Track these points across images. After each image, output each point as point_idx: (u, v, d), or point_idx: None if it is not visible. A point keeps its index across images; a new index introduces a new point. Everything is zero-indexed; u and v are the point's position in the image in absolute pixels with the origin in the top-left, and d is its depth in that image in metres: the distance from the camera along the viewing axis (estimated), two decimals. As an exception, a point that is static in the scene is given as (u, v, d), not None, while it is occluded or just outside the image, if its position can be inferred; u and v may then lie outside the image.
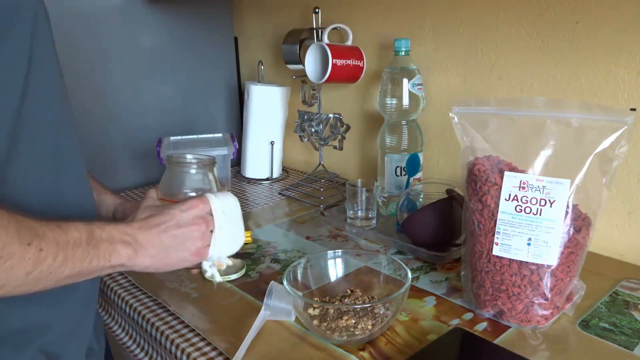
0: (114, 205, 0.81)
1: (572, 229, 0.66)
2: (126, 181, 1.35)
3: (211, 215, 0.66)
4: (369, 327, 0.67)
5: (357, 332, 0.66)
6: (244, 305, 0.78)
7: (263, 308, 0.72)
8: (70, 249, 0.52)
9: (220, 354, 0.67)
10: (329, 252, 0.80)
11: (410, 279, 0.69)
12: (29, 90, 0.54)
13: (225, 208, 0.67)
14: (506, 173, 0.67)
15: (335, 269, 0.80)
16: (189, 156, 0.81)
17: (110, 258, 0.56)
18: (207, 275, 0.71)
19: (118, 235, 0.58)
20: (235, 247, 0.69)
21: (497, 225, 0.68)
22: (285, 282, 0.69)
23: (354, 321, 0.67)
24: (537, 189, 0.66)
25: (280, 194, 1.27)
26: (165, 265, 0.63)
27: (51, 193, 0.59)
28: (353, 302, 0.74)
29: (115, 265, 0.57)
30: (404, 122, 1.06)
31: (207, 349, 0.68)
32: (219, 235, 0.66)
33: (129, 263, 0.59)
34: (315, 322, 0.68)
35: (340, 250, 0.81)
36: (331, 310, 0.69)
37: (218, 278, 0.72)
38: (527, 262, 0.67)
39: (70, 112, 0.63)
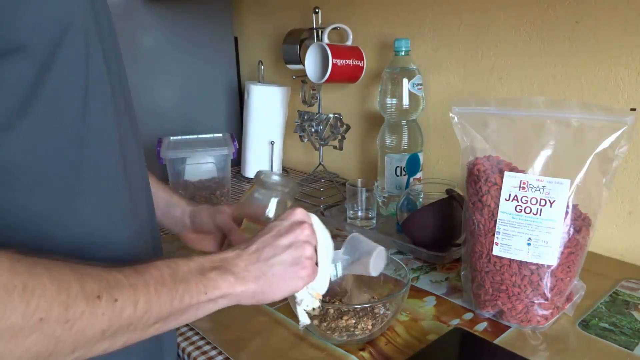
0: (188, 210, 0.76)
1: (572, 229, 0.66)
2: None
3: (312, 225, 0.58)
4: (369, 327, 0.67)
5: (357, 332, 0.66)
6: (245, 305, 0.77)
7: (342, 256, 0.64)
8: (153, 292, 0.44)
9: (221, 353, 0.67)
10: None
11: (410, 279, 0.69)
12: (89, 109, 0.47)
13: (324, 228, 0.60)
14: (506, 173, 0.67)
15: (335, 269, 0.80)
16: (275, 177, 0.77)
17: (207, 290, 0.48)
18: (304, 307, 0.59)
19: (209, 263, 0.50)
20: (326, 284, 0.60)
21: (497, 225, 0.68)
22: None
23: (354, 321, 0.67)
24: (537, 189, 0.66)
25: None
26: (277, 286, 0.53)
27: (124, 208, 0.52)
28: (353, 302, 0.73)
29: (215, 297, 0.49)
30: (404, 122, 1.06)
31: (207, 348, 0.68)
32: (322, 248, 0.58)
33: (231, 291, 0.50)
34: (315, 322, 0.68)
35: (340, 250, 0.81)
36: (331, 310, 0.69)
37: (306, 320, 0.60)
38: (527, 262, 0.67)
39: (135, 125, 0.58)
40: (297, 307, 0.59)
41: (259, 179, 0.77)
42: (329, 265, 0.60)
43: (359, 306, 0.70)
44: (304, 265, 0.55)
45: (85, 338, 0.39)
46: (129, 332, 0.42)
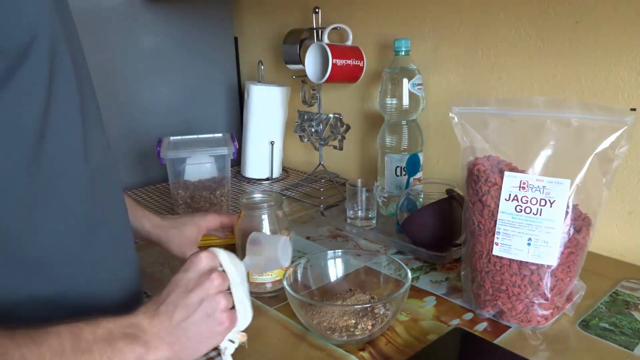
0: (150, 227, 0.76)
1: (572, 229, 0.66)
2: (126, 181, 1.35)
3: (222, 270, 0.55)
4: (369, 327, 0.67)
5: (357, 332, 0.66)
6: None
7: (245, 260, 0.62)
8: None
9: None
10: (328, 252, 0.80)
11: (410, 279, 0.69)
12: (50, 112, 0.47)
13: (234, 260, 0.57)
14: (506, 173, 0.67)
15: (335, 269, 0.80)
16: (257, 196, 0.81)
17: None
18: (230, 352, 0.56)
19: (117, 330, 0.46)
20: (250, 316, 0.57)
21: (497, 225, 0.68)
22: (285, 283, 0.69)
23: (353, 321, 0.67)
24: (537, 189, 0.66)
25: (280, 194, 1.27)
26: (195, 348, 0.50)
27: (88, 216, 0.52)
28: (353, 302, 0.74)
29: None
30: (404, 122, 1.06)
31: (207, 349, 0.68)
32: (236, 285, 0.54)
33: (139, 358, 0.46)
34: (315, 321, 0.68)
35: (340, 250, 0.82)
36: (332, 310, 0.69)
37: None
38: (527, 262, 0.67)
39: (104, 136, 0.58)
40: (223, 356, 0.56)
41: (243, 204, 0.80)
42: (246, 299, 0.56)
43: (359, 306, 0.70)
44: (220, 321, 0.52)
45: None
46: None
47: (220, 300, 0.52)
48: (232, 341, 0.56)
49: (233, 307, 0.54)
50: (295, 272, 0.75)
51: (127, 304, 0.58)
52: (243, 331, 0.57)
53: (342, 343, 0.67)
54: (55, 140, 0.47)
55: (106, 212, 0.55)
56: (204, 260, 0.53)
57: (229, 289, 0.54)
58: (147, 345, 0.47)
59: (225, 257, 0.55)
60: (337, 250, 0.81)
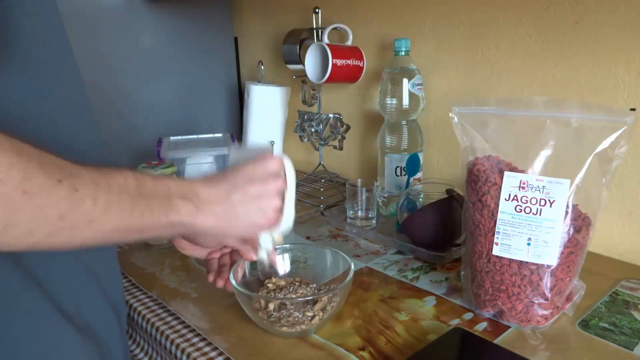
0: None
1: (572, 229, 0.66)
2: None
3: (284, 175, 0.59)
4: (313, 319, 0.68)
5: (301, 324, 0.68)
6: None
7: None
8: (115, 194, 0.42)
9: (221, 354, 0.67)
10: (276, 247, 0.81)
11: (352, 270, 0.71)
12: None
13: (293, 171, 0.61)
14: (506, 173, 0.67)
15: (283, 263, 0.81)
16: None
17: (167, 212, 0.47)
18: (265, 249, 0.64)
19: (176, 189, 0.49)
20: (292, 222, 0.62)
21: (497, 225, 0.68)
22: (231, 276, 0.69)
23: (297, 313, 0.68)
24: (537, 189, 0.66)
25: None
26: (234, 228, 0.54)
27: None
28: (295, 293, 0.74)
29: (174, 222, 0.48)
30: (404, 122, 1.06)
31: (207, 349, 0.68)
32: (289, 200, 0.60)
33: (189, 221, 0.50)
34: (260, 314, 0.69)
35: (287, 245, 0.82)
36: (275, 303, 0.70)
37: (264, 257, 0.65)
38: (527, 262, 0.67)
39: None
40: (259, 250, 0.64)
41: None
42: (293, 208, 0.62)
43: (302, 299, 0.71)
44: (269, 216, 0.57)
45: (43, 218, 0.38)
46: (86, 229, 0.41)
47: (276, 200, 0.57)
48: (271, 237, 0.64)
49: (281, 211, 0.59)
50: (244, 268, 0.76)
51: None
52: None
53: (288, 335, 0.68)
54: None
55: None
56: (273, 163, 0.58)
57: (283, 197, 0.59)
58: (198, 210, 0.50)
59: (290, 166, 0.61)
60: (285, 245, 0.81)
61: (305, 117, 1.22)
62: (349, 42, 1.21)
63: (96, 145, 0.59)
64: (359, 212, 1.04)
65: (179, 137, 1.23)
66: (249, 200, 0.54)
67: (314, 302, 0.69)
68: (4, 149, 0.35)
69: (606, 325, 0.69)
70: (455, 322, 0.72)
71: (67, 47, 0.55)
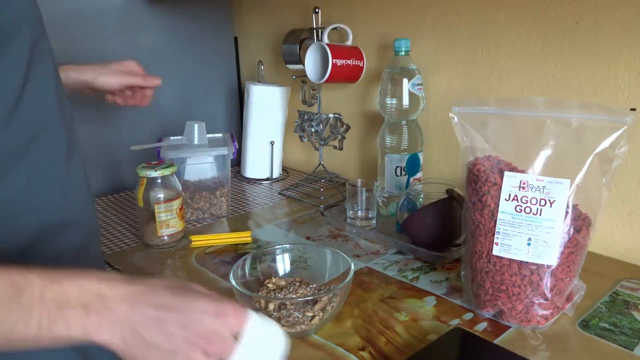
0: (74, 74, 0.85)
1: (572, 229, 0.66)
2: (126, 181, 1.35)
3: (236, 338, 0.44)
4: (313, 319, 0.68)
5: (302, 325, 0.68)
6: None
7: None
8: None
9: (220, 354, 0.67)
10: (276, 247, 0.82)
11: (353, 270, 0.71)
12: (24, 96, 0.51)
13: (262, 339, 0.45)
14: (506, 173, 0.67)
15: (283, 263, 0.81)
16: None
17: (51, 326, 0.38)
18: None
19: (78, 295, 0.40)
20: None
21: (497, 225, 0.68)
22: (231, 276, 0.70)
23: (297, 313, 0.68)
24: (537, 189, 0.66)
25: (280, 194, 1.27)
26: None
27: (58, 191, 0.56)
28: (295, 293, 0.74)
29: (60, 336, 0.39)
30: (404, 122, 1.06)
31: (207, 349, 0.68)
32: None
33: (83, 335, 0.40)
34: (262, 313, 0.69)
35: (287, 245, 0.83)
36: (275, 303, 0.70)
37: None
38: (527, 262, 0.67)
39: (71, 116, 0.61)
40: None
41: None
42: None
43: (302, 299, 0.71)
44: None
45: None
46: None
47: None
48: None
49: None
50: (243, 268, 0.76)
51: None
52: None
53: (290, 335, 0.68)
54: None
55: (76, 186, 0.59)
56: (228, 321, 0.43)
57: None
58: (99, 316, 0.40)
59: (254, 333, 0.44)
60: (285, 245, 0.83)
61: (305, 117, 1.22)
62: (349, 42, 1.21)
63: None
64: (359, 212, 1.04)
65: (179, 137, 1.22)
66: (163, 344, 0.41)
67: (314, 302, 0.69)
68: None
69: (606, 326, 0.69)
70: (455, 322, 0.72)
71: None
